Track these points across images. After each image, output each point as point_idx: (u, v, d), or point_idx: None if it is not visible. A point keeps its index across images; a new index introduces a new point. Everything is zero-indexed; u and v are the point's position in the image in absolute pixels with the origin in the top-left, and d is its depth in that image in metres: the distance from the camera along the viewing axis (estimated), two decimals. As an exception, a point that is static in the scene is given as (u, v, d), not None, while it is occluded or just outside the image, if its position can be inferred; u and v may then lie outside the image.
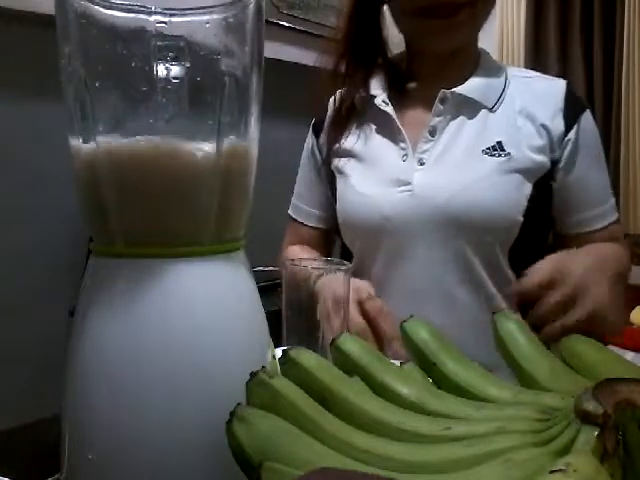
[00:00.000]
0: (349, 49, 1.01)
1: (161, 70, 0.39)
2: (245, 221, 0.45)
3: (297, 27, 2.04)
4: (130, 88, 0.40)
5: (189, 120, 0.41)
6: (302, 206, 1.12)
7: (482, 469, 0.30)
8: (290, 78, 1.97)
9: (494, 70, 0.97)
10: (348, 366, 0.43)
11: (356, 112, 1.01)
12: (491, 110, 0.94)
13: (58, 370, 0.43)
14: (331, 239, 1.11)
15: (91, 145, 0.40)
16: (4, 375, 1.47)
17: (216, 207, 0.41)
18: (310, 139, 1.12)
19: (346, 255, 1.02)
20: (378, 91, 0.99)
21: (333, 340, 0.46)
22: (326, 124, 1.07)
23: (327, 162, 1.05)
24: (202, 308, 0.40)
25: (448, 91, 0.93)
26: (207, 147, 0.40)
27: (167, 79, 0.39)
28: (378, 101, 0.98)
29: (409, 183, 0.91)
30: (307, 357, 0.41)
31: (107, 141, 0.40)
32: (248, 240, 0.45)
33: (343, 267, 0.68)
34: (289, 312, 0.67)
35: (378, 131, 0.99)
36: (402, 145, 0.95)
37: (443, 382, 0.43)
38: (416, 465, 0.32)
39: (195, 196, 0.40)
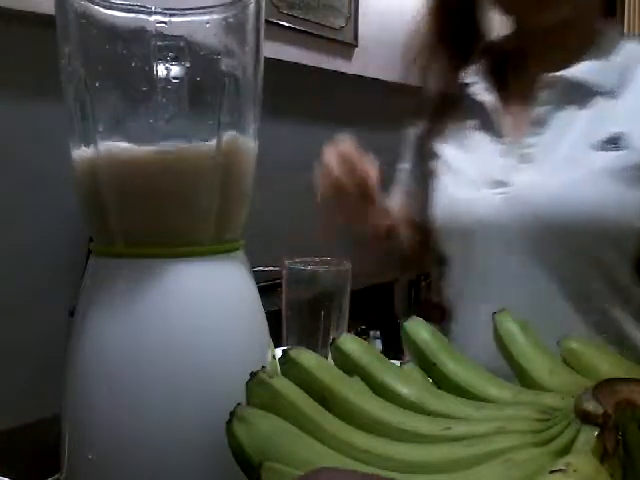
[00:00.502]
0: (442, 34, 0.89)
1: (161, 70, 0.39)
2: (245, 221, 0.45)
3: (297, 27, 2.04)
4: (130, 88, 0.40)
5: (189, 120, 0.41)
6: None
7: (482, 469, 0.30)
8: (290, 78, 1.97)
9: (616, 48, 0.80)
10: (348, 366, 0.43)
11: (450, 104, 0.89)
12: (610, 96, 0.77)
13: (58, 370, 0.43)
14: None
15: (91, 145, 0.40)
16: (4, 375, 1.47)
17: (216, 207, 0.41)
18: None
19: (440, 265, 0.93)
20: (474, 79, 0.87)
21: (333, 340, 0.46)
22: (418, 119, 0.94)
23: (420, 162, 0.95)
24: (202, 308, 0.40)
25: (556, 75, 0.79)
26: (207, 147, 0.40)
27: (167, 79, 0.39)
28: (475, 90, 0.86)
29: (506, 184, 0.79)
30: (307, 357, 0.41)
31: (107, 141, 0.40)
32: (248, 240, 0.45)
33: (343, 267, 0.68)
34: (289, 312, 0.67)
35: (474, 124, 0.86)
36: (501, 140, 0.82)
37: (443, 382, 0.43)
38: (416, 465, 0.32)
39: (195, 196, 0.40)
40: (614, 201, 0.73)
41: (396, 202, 0.99)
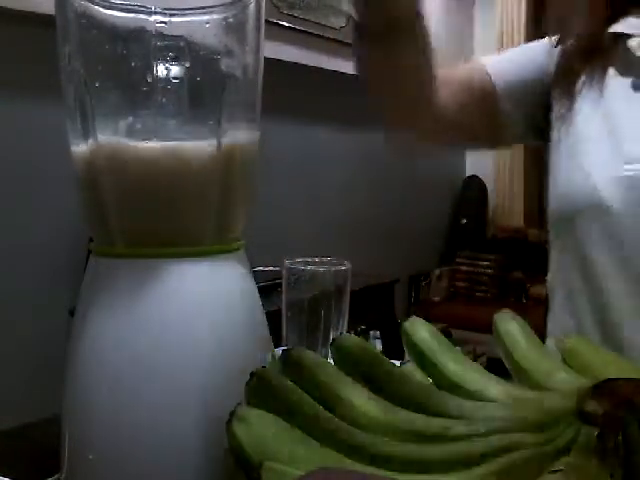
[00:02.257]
0: None
1: (161, 70, 0.39)
2: (245, 221, 0.45)
3: (297, 27, 2.04)
4: (130, 88, 0.40)
5: (189, 120, 0.41)
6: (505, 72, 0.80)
7: (482, 469, 0.30)
8: (290, 78, 1.97)
9: None
10: (348, 366, 0.43)
11: (600, 56, 0.73)
12: None
13: (58, 370, 0.43)
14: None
15: (91, 145, 0.40)
16: (4, 375, 1.47)
17: (216, 207, 0.41)
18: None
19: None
20: (636, 30, 0.71)
21: (333, 340, 0.46)
22: (557, 63, 0.77)
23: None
24: (202, 308, 0.40)
25: None
26: (207, 147, 0.40)
27: (167, 79, 0.39)
28: (634, 43, 0.70)
29: (638, 160, 0.67)
30: (307, 357, 0.41)
31: (107, 141, 0.40)
32: (248, 240, 0.45)
33: (343, 267, 0.68)
34: (289, 312, 0.67)
35: (627, 85, 0.71)
36: None
37: (443, 382, 0.43)
38: (416, 465, 0.32)
39: (195, 196, 0.40)
40: None
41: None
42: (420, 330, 0.46)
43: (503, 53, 0.84)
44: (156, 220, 0.40)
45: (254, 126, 0.43)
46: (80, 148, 0.41)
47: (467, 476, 0.30)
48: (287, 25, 2.01)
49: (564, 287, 0.75)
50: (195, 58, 0.40)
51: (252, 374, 0.38)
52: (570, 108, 0.75)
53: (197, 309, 0.40)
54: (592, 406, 0.31)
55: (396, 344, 0.59)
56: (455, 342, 0.45)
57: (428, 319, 0.48)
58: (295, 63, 2.06)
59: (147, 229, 0.40)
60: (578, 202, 0.71)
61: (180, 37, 0.39)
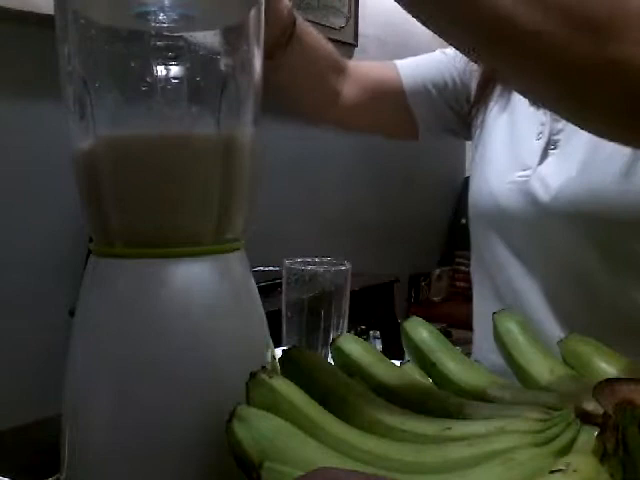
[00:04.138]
0: None
1: (161, 70, 0.39)
2: (245, 221, 0.45)
3: (297, 27, 2.04)
4: (130, 88, 0.40)
5: (189, 120, 0.41)
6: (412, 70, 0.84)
7: (482, 469, 0.30)
8: (290, 78, 1.96)
9: None
10: (348, 366, 0.43)
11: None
12: None
13: (58, 370, 0.43)
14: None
15: (91, 145, 0.40)
16: (4, 375, 1.47)
17: (216, 206, 0.41)
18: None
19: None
20: None
21: (333, 340, 0.46)
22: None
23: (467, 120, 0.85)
24: (202, 308, 0.40)
25: None
26: (207, 147, 0.40)
27: (167, 79, 0.39)
28: None
29: (529, 168, 0.73)
30: (307, 357, 0.41)
31: (107, 140, 0.40)
32: (248, 240, 0.45)
33: (343, 267, 0.68)
34: (289, 312, 0.67)
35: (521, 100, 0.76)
36: (542, 120, 0.74)
37: (443, 382, 0.43)
38: (416, 465, 0.32)
39: (195, 195, 0.40)
40: (638, 187, 0.65)
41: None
42: (420, 330, 0.46)
43: (419, 56, 0.87)
44: (156, 219, 0.40)
45: (254, 126, 0.43)
46: (80, 148, 0.41)
47: (467, 476, 0.30)
48: (287, 25, 2.01)
49: (476, 284, 0.83)
50: (195, 58, 0.40)
51: (252, 374, 0.38)
52: (484, 117, 0.82)
53: (197, 309, 0.40)
54: (592, 406, 0.31)
55: (396, 344, 0.59)
56: (455, 342, 0.46)
57: (428, 319, 0.48)
58: (295, 63, 2.05)
59: (147, 229, 0.40)
60: (479, 206, 0.79)
61: (180, 37, 0.39)
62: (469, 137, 0.87)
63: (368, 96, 0.82)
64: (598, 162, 0.68)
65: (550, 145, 0.73)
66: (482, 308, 0.82)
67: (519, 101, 0.77)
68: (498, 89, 0.80)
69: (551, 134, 0.73)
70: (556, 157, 0.72)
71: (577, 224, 0.69)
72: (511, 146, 0.77)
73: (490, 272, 0.79)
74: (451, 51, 0.83)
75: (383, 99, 0.83)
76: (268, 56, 0.65)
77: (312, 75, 0.78)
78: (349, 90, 0.81)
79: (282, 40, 0.70)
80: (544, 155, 0.73)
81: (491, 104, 0.81)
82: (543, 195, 0.70)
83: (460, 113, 0.85)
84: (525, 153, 0.75)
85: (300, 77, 0.76)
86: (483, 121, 0.83)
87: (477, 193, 0.80)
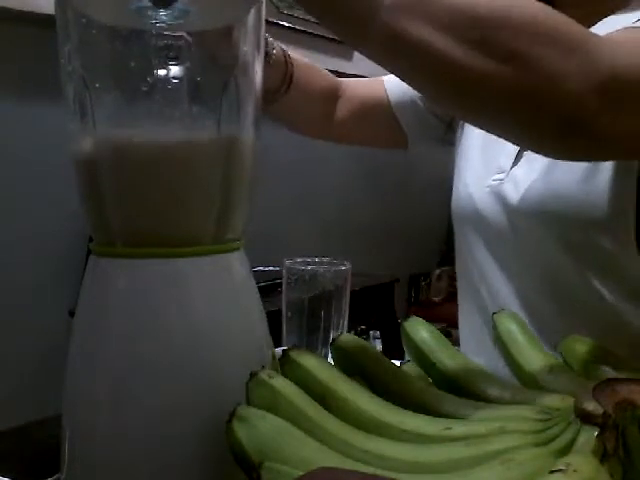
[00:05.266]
0: None
1: (161, 70, 0.39)
2: (245, 221, 0.45)
3: (297, 27, 2.04)
4: (130, 88, 0.40)
5: (189, 120, 0.41)
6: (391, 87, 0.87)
7: (482, 469, 0.30)
8: (290, 78, 1.96)
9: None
10: (348, 366, 0.43)
11: None
12: None
13: (58, 370, 0.43)
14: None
15: (91, 144, 0.40)
16: (4, 375, 1.47)
17: (216, 207, 0.41)
18: None
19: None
20: None
21: (333, 340, 0.46)
22: None
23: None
24: (202, 308, 0.40)
25: None
26: (207, 146, 0.40)
27: (167, 79, 0.39)
28: None
29: (504, 171, 0.74)
30: (307, 357, 0.41)
31: (107, 140, 0.40)
32: (248, 240, 0.45)
33: (343, 267, 0.68)
34: (289, 312, 0.67)
35: None
36: None
37: (443, 382, 0.43)
38: (416, 465, 0.32)
39: (195, 195, 0.40)
40: (601, 188, 0.66)
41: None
42: (420, 330, 0.46)
43: None
44: (156, 219, 0.40)
45: (254, 125, 0.43)
46: (80, 147, 0.41)
47: (467, 476, 0.30)
48: (287, 25, 2.00)
49: (460, 289, 0.83)
50: (195, 58, 0.40)
51: (252, 374, 0.38)
52: (463, 122, 0.83)
53: (197, 309, 0.40)
54: (592, 406, 0.31)
55: (396, 344, 0.59)
56: (455, 342, 0.46)
57: (428, 319, 0.48)
58: (295, 63, 2.05)
59: (147, 229, 0.40)
60: (460, 210, 0.80)
61: (180, 37, 0.39)
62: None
63: (357, 113, 0.86)
64: (561, 164, 0.68)
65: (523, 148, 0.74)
66: (465, 311, 0.84)
67: None
68: None
69: None
70: (525, 159, 0.73)
71: (545, 225, 0.70)
72: (488, 150, 0.79)
73: (471, 276, 0.80)
74: None
75: (371, 114, 0.87)
76: (270, 101, 0.72)
77: (308, 106, 0.82)
78: (340, 110, 0.86)
79: (283, 87, 0.75)
80: (518, 158, 0.74)
81: None
82: (513, 196, 0.72)
83: (445, 120, 0.87)
84: (501, 157, 0.76)
85: (297, 109, 0.81)
86: (462, 125, 0.84)
87: (457, 197, 0.82)
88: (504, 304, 0.73)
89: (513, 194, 0.72)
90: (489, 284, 0.77)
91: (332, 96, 0.85)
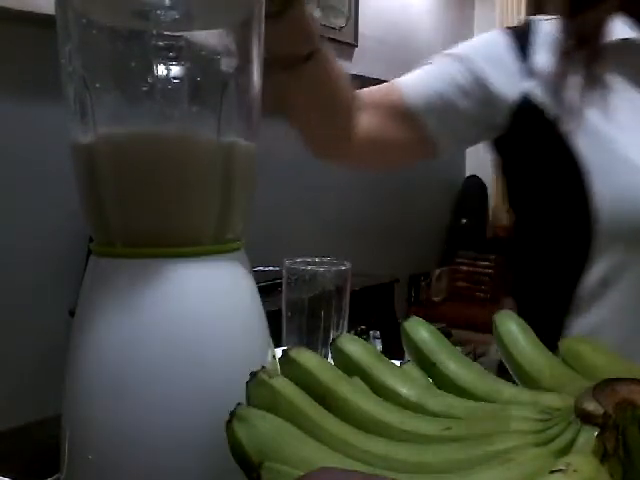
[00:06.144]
0: None
1: (161, 70, 0.39)
2: (245, 221, 0.45)
3: (297, 27, 2.04)
4: (130, 88, 0.40)
5: (189, 120, 0.41)
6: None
7: (482, 469, 0.30)
8: (290, 78, 1.96)
9: None
10: (348, 366, 0.43)
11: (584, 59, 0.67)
12: None
13: (58, 370, 0.43)
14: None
15: (91, 144, 0.40)
16: (4, 375, 1.47)
17: (216, 207, 0.41)
18: (507, 52, 0.73)
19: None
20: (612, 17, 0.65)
21: (333, 340, 0.46)
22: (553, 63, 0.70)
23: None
24: (202, 308, 0.40)
25: None
26: (207, 147, 0.40)
27: (167, 79, 0.39)
28: (618, 29, 0.64)
29: None
30: (307, 357, 0.41)
31: (107, 140, 0.40)
32: (248, 240, 0.45)
33: (343, 267, 0.68)
34: (289, 312, 0.67)
35: (626, 77, 0.65)
36: None
37: (443, 382, 0.43)
38: (416, 465, 0.32)
39: (195, 196, 0.40)
40: None
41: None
42: (420, 330, 0.46)
43: (418, 70, 0.80)
44: (156, 219, 0.40)
45: (254, 125, 0.43)
46: (80, 147, 0.41)
47: (467, 476, 0.30)
48: (287, 25, 2.01)
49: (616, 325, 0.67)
50: (195, 58, 0.40)
51: (252, 374, 0.38)
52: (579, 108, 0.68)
53: (197, 309, 0.40)
54: (592, 406, 0.31)
55: (396, 344, 0.59)
56: (455, 342, 0.45)
57: (428, 319, 0.48)
58: (295, 63, 2.06)
59: (147, 228, 0.40)
60: (620, 220, 0.63)
61: (180, 37, 0.39)
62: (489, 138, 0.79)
63: (379, 125, 0.77)
64: None
65: None
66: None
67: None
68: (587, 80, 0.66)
69: None
70: None
71: None
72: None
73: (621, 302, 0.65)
74: (457, 51, 0.78)
75: (393, 124, 0.78)
76: (285, 65, 0.63)
77: (326, 106, 0.72)
78: (362, 120, 0.76)
79: (302, 50, 0.63)
80: None
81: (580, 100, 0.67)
82: None
83: (483, 115, 0.77)
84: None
85: (314, 103, 0.71)
86: (580, 111, 0.67)
87: (612, 202, 0.63)
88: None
89: None
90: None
91: (353, 105, 0.75)
